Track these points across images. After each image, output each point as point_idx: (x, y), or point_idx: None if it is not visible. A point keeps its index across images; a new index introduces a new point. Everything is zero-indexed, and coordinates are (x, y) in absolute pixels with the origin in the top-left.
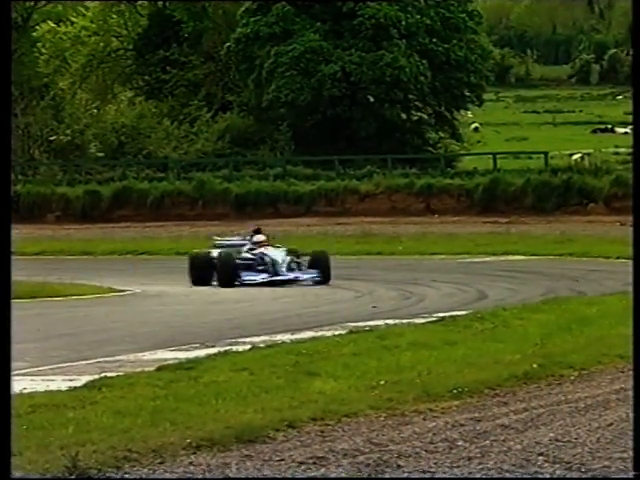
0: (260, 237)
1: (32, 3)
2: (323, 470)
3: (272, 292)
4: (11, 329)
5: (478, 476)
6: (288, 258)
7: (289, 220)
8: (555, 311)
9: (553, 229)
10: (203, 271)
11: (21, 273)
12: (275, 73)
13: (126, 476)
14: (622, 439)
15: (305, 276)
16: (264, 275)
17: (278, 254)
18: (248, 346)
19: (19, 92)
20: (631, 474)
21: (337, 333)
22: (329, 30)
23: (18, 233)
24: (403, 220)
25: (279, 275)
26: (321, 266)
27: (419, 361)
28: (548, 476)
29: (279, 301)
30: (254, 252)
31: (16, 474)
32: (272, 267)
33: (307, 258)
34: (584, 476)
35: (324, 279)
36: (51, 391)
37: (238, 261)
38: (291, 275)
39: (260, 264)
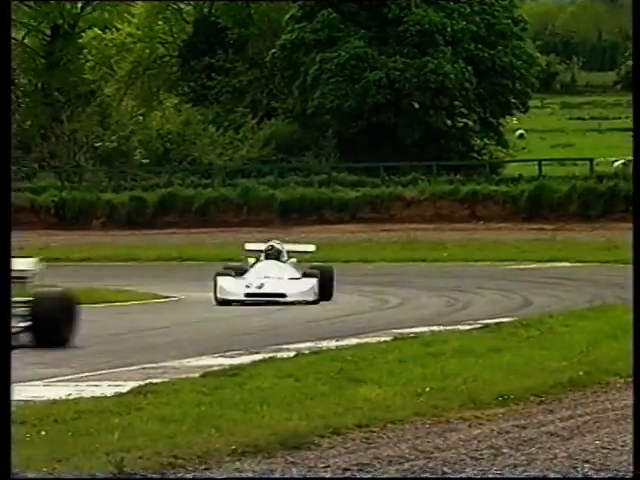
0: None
1: (78, 10)
2: (369, 477)
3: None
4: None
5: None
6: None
7: (334, 227)
8: (601, 318)
9: (598, 236)
10: None
11: (66, 279)
12: (320, 80)
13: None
14: None
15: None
16: None
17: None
18: (293, 353)
19: (65, 99)
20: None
21: (382, 340)
22: (374, 37)
23: (63, 239)
24: (448, 227)
25: None
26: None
27: (464, 368)
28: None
29: (325, 308)
30: None
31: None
32: None
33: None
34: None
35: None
36: (97, 397)
37: None
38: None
39: None
